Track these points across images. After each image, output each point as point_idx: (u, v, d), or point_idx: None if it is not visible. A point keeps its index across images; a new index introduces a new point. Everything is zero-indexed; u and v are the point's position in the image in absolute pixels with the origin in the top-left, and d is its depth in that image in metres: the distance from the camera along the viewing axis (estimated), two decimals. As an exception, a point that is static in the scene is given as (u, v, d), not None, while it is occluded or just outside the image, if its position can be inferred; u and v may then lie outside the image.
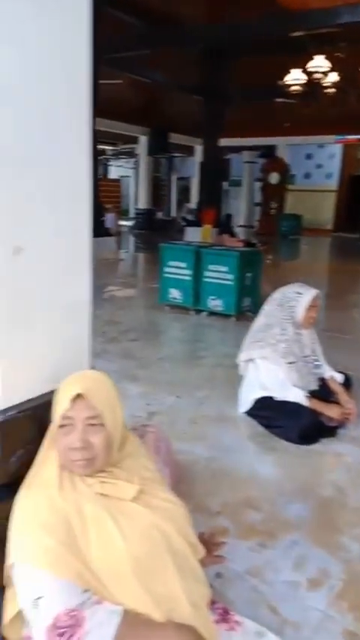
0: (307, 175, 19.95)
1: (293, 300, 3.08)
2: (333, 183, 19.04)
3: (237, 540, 1.99)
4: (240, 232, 15.83)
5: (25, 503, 1.21)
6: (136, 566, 1.17)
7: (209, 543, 1.79)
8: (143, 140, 17.34)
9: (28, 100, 1.22)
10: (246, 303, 5.63)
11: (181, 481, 2.33)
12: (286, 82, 9.02)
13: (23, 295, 1.30)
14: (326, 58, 8.87)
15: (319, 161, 19.69)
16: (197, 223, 12.94)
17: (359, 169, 18.85)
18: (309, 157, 19.76)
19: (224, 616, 1.41)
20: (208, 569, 1.74)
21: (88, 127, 1.39)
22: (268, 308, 3.18)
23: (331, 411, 2.98)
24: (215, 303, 5.63)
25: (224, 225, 13.09)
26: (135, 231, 17.20)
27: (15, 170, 1.22)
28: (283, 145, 17.45)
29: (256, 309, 5.53)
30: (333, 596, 1.77)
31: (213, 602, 1.42)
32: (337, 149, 18.46)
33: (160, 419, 3.02)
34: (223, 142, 14.07)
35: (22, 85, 1.20)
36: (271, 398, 3.03)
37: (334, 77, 9.42)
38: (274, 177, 17.38)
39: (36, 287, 1.33)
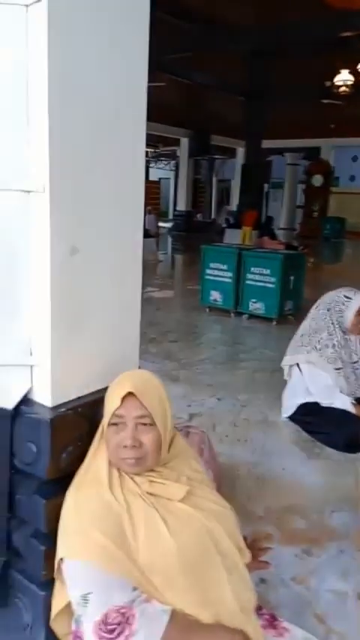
0: (352, 178, 19.59)
1: (342, 305, 3.01)
2: (379, 186, 18.64)
3: (281, 546, 1.96)
4: (281, 235, 15.65)
5: (76, 499, 1.22)
6: (186, 567, 1.16)
7: (254, 548, 1.76)
8: (184, 142, 17.40)
9: (99, 100, 1.24)
10: (288, 307, 5.56)
11: (223, 484, 2.30)
12: (335, 83, 8.86)
13: (78, 295, 1.31)
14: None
15: (364, 163, 19.30)
16: (238, 225, 12.86)
17: None
18: (354, 159, 19.39)
19: (271, 622, 1.38)
20: (253, 575, 1.72)
21: (144, 128, 1.40)
22: (316, 312, 3.12)
23: (379, 420, 2.90)
24: (256, 306, 5.58)
25: (265, 228, 12.96)
26: (174, 233, 17.26)
27: (81, 170, 1.24)
28: (328, 147, 17.16)
29: (298, 312, 5.49)
30: (385, 610, 1.71)
31: (259, 608, 1.39)
32: (384, 151, 18.05)
33: (201, 420, 3.01)
34: (266, 143, 13.94)
35: (94, 86, 1.22)
36: (316, 403, 2.96)
37: (382, 77, 9.21)
38: (317, 180, 17.11)
39: (90, 287, 1.34)
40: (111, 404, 1.25)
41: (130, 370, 1.37)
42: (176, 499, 1.24)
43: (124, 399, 1.23)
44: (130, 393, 1.23)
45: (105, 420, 1.26)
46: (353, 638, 1.59)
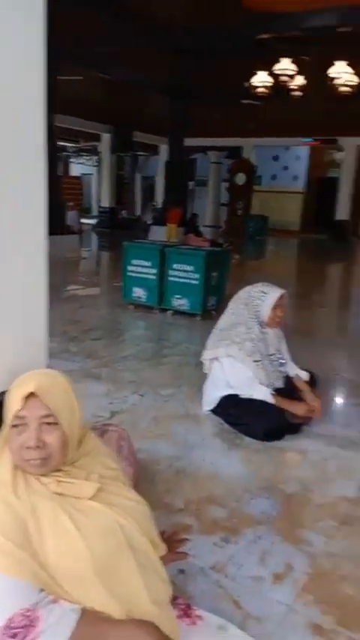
0: (274, 177, 20.23)
1: (258, 300, 3.09)
2: (299, 185, 19.35)
3: (200, 537, 1.98)
4: (206, 232, 15.89)
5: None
6: (96, 564, 1.15)
7: (172, 540, 1.78)
8: (106, 138, 17.24)
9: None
10: (211, 302, 5.65)
11: (144, 480, 2.31)
12: (253, 84, 9.10)
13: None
14: (292, 62, 9.01)
15: (285, 163, 20.00)
16: (163, 222, 12.93)
17: (326, 172, 19.21)
18: (275, 158, 20.04)
19: (186, 611, 1.40)
20: (172, 566, 1.73)
21: (42, 122, 1.35)
22: (234, 307, 3.19)
23: (296, 409, 3.00)
24: (180, 302, 5.63)
25: (189, 225, 13.12)
26: (98, 230, 17.05)
27: None
28: (250, 147, 17.61)
29: (221, 308, 5.57)
30: (298, 589, 1.78)
31: (175, 598, 1.40)
32: (303, 151, 18.78)
33: (122, 418, 2.99)
34: (189, 141, 14.11)
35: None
36: (236, 396, 3.03)
37: (300, 80, 9.58)
38: (240, 178, 17.50)
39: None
40: (12, 405, 1.21)
41: (33, 370, 1.33)
42: (86, 497, 1.23)
43: (26, 399, 1.20)
44: (32, 394, 1.20)
45: (6, 423, 1.22)
46: (271, 621, 1.63)
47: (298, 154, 19.12)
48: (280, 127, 15.03)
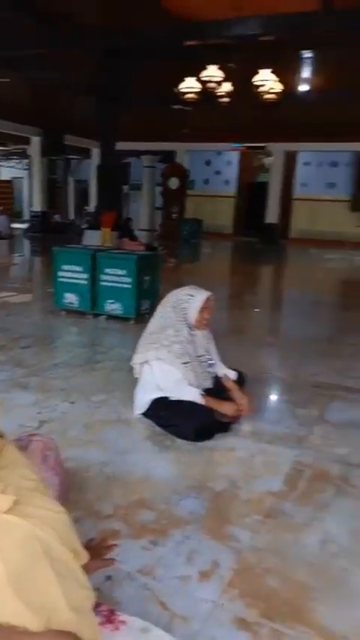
0: (207, 181, 20.55)
1: (185, 303, 3.14)
2: (231, 190, 19.77)
3: (129, 541, 1.99)
4: (142, 236, 15.91)
5: None
6: (11, 577, 1.12)
7: (100, 547, 1.77)
8: (35, 141, 16.90)
9: None
10: (145, 306, 5.66)
11: (74, 488, 2.28)
12: (181, 90, 9.22)
13: None
14: (219, 69, 9.20)
15: (217, 168, 20.37)
16: (97, 227, 12.80)
17: (256, 177, 19.73)
18: (208, 163, 20.36)
19: (109, 617, 1.40)
20: (99, 573, 1.73)
21: None
22: (162, 310, 3.22)
23: (225, 408, 3.07)
24: (113, 307, 5.60)
25: (124, 229, 13.08)
26: (30, 235, 16.63)
27: None
28: (182, 151, 17.81)
29: (154, 311, 5.60)
30: (224, 585, 1.81)
31: (98, 605, 1.40)
32: (234, 157, 19.20)
33: (52, 427, 2.94)
34: (121, 145, 14.06)
35: None
36: (166, 398, 3.06)
37: (227, 87, 9.79)
38: (173, 182, 17.66)
39: None
40: None
41: None
42: (1, 511, 1.20)
43: None
44: None
45: None
46: (197, 619, 1.66)
47: (229, 159, 19.54)
48: (210, 132, 15.33)
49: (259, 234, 16.54)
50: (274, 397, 3.89)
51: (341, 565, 1.94)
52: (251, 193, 19.06)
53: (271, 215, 16.46)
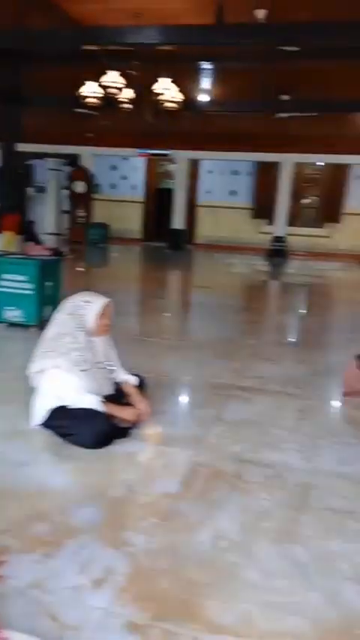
0: (113, 186, 20.47)
1: (83, 309, 3.12)
2: (139, 195, 19.84)
3: (20, 556, 1.94)
4: (50, 240, 15.51)
5: None
6: None
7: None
8: None
9: None
10: (47, 313, 5.50)
11: None
12: (82, 94, 9.13)
13: None
14: (121, 75, 9.23)
15: (124, 173, 20.36)
16: (-1, 230, 12.31)
17: (161, 183, 19.97)
18: (114, 168, 20.29)
19: (-8, 637, 1.36)
20: (-15, 593, 1.67)
21: None
22: (59, 317, 3.18)
23: (125, 413, 3.09)
24: (14, 314, 5.42)
25: (27, 233, 12.69)
26: None
27: None
28: (88, 155, 17.61)
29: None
30: (116, 591, 1.83)
31: (-21, 626, 1.36)
32: (140, 162, 19.29)
33: None
34: (25, 147, 13.67)
35: None
36: (65, 407, 3.02)
37: (129, 93, 9.84)
38: (79, 186, 17.39)
39: None
40: None
41: None
42: None
43: None
44: None
45: None
46: (86, 627, 1.66)
47: (135, 164, 19.61)
48: (115, 137, 15.31)
49: (167, 240, 16.76)
50: (174, 400, 3.96)
51: (231, 559, 2.03)
52: (158, 199, 19.27)
53: (177, 221, 16.74)
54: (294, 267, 13.58)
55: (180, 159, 16.34)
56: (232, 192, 18.94)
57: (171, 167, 18.46)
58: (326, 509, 2.39)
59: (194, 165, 17.60)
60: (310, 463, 2.86)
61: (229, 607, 1.78)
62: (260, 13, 7.53)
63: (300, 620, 1.74)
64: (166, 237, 16.96)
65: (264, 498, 2.46)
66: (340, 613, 1.78)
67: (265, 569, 1.97)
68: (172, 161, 17.58)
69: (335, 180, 17.58)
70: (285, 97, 11.17)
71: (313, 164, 17.50)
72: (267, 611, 1.77)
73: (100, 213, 18.21)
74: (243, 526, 2.24)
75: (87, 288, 3.78)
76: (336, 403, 3.93)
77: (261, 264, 13.89)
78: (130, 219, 19.47)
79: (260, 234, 17.49)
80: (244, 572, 1.96)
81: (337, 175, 17.40)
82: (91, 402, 3.01)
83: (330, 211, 17.80)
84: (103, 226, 17.63)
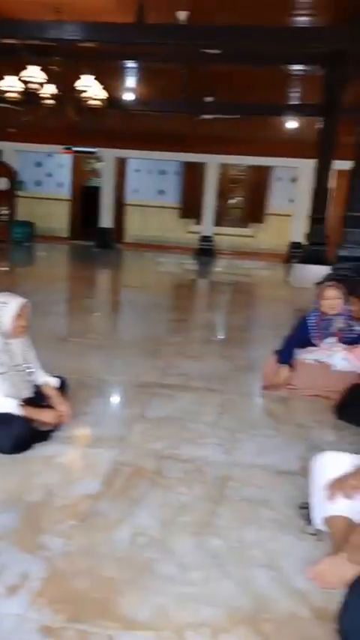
0: (38, 183, 19.95)
1: (-1, 311, 3.03)
2: (65, 192, 19.45)
3: None
4: (-32, 239, 14.88)
5: None
6: None
7: None
8: None
9: None
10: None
11: None
12: (1, 88, 8.82)
13: None
14: (42, 70, 9.00)
15: (49, 170, 19.89)
16: None
17: (89, 181, 19.69)
18: (39, 165, 19.78)
19: None
20: None
21: None
22: (-26, 320, 3.06)
23: (45, 416, 3.03)
24: None
25: None
26: None
27: None
28: (11, 151, 17.05)
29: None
30: (32, 596, 1.80)
31: None
32: (67, 160, 18.92)
33: None
34: None
35: None
36: (-19, 412, 2.92)
37: (51, 89, 9.61)
38: (2, 183, 16.81)
39: None
40: None
41: None
42: None
43: None
44: None
45: None
46: (0, 635, 1.62)
47: (61, 161, 19.21)
48: (39, 133, 14.93)
49: (95, 238, 16.57)
50: (97, 400, 3.92)
51: (148, 555, 2.05)
52: (86, 197, 18.99)
53: (105, 219, 16.60)
54: (221, 266, 13.87)
55: (107, 157, 16.21)
56: (160, 192, 19.03)
57: (98, 165, 18.26)
58: (242, 500, 2.47)
59: (122, 163, 17.50)
60: (229, 456, 2.94)
61: (145, 602, 1.80)
62: (182, 15, 7.59)
63: (214, 610, 1.79)
64: (94, 235, 16.77)
65: (183, 493, 2.50)
66: (252, 599, 1.85)
67: (182, 563, 2.01)
68: (99, 159, 17.40)
69: (259, 182, 18.13)
70: (209, 99, 11.34)
71: (238, 165, 17.94)
72: (182, 603, 1.81)
73: (24, 210, 17.69)
74: (162, 521, 2.27)
75: (9, 288, 3.68)
76: (256, 397, 4.07)
77: (189, 263, 14.07)
78: (57, 218, 19.06)
79: (188, 233, 17.71)
80: (160, 566, 1.99)
81: (261, 177, 17.94)
82: (9, 405, 2.94)
83: (254, 212, 18.32)
84: (28, 224, 17.15)
